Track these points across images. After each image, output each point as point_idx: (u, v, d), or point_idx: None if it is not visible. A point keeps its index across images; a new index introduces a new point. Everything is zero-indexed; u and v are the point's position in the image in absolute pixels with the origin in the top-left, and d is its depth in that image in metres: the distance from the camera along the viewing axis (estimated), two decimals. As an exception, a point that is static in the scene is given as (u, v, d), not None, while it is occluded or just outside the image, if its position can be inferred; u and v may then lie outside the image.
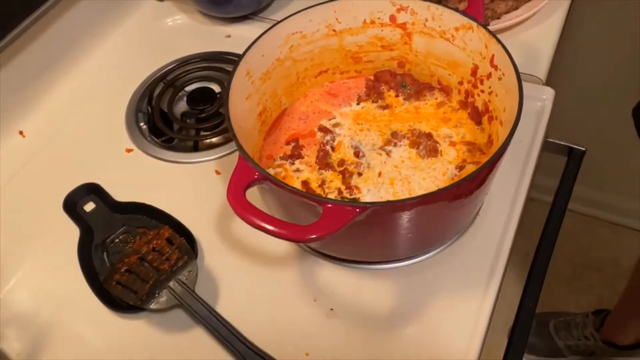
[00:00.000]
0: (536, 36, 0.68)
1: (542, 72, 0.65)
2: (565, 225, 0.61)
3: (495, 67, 0.50)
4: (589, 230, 1.43)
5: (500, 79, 0.50)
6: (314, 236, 0.40)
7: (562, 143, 0.67)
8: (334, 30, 0.57)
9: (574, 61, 1.13)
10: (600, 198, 1.41)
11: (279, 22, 0.54)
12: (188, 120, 0.67)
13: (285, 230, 0.40)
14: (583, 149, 0.67)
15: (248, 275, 0.53)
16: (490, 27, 0.67)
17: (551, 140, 0.66)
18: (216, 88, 0.68)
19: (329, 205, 0.40)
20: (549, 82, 0.67)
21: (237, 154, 0.44)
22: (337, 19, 0.56)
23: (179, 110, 0.68)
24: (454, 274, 0.52)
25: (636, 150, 1.24)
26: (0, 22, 0.59)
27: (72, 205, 0.58)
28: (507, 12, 0.68)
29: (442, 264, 0.53)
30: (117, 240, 0.56)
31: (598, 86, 1.18)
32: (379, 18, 0.56)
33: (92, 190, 0.59)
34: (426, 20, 0.54)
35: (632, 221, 1.39)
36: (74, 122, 0.67)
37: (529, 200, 0.60)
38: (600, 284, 1.33)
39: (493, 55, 0.50)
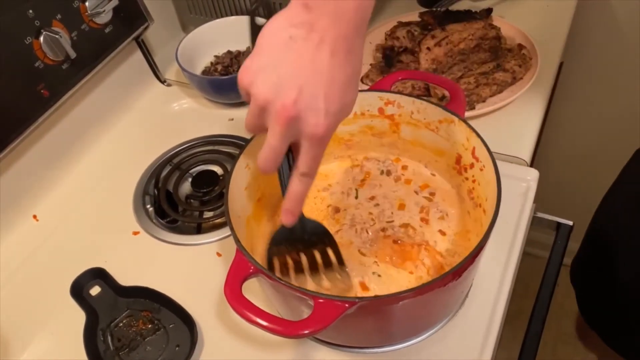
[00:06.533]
0: (520, 118, 0.72)
1: (526, 154, 0.67)
2: (568, 283, 0.59)
3: (477, 159, 0.53)
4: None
5: (481, 169, 0.53)
6: (306, 331, 0.42)
7: (550, 218, 0.70)
8: (327, 122, 0.61)
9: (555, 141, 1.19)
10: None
11: (275, 116, 0.58)
12: (192, 202, 0.71)
13: (279, 327, 0.42)
14: (570, 223, 0.69)
15: (246, 359, 0.55)
16: (476, 111, 0.71)
17: (539, 215, 0.69)
18: (219, 170, 0.72)
19: (320, 300, 0.43)
20: (538, 158, 0.69)
21: (238, 234, 0.47)
22: (330, 111, 0.60)
23: (184, 192, 0.72)
24: (447, 355, 0.53)
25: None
26: (16, 121, 0.63)
27: (78, 289, 0.61)
28: (491, 96, 0.73)
29: (436, 345, 0.54)
30: (121, 324, 0.58)
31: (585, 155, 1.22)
32: (368, 110, 0.60)
33: (98, 275, 0.61)
34: (412, 112, 0.58)
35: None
36: (85, 206, 0.71)
37: (525, 255, 0.60)
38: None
39: (474, 148, 0.54)
